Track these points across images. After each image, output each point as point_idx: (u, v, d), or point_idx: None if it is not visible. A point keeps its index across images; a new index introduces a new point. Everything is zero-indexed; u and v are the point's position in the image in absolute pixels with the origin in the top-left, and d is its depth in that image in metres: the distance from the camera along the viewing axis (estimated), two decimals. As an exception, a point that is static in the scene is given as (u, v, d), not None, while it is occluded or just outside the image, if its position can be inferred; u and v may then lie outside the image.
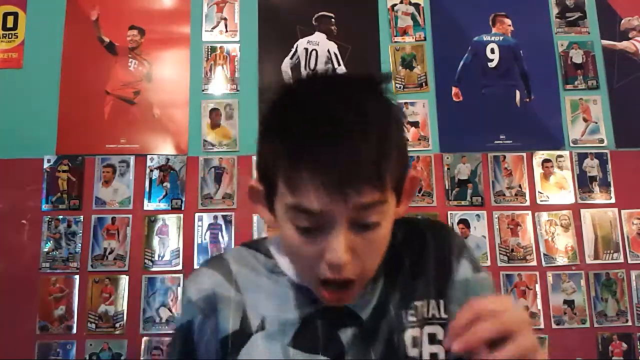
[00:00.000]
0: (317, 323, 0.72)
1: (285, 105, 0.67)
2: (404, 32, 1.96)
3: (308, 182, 0.61)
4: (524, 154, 1.88)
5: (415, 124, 1.88)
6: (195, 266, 1.76)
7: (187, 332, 0.75)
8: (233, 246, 1.76)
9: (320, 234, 0.63)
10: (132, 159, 1.84)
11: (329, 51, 1.93)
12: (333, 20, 1.96)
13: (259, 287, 0.75)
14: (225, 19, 1.96)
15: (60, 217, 1.79)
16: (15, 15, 1.94)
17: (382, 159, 0.61)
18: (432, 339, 0.74)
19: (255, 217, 1.80)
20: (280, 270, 0.75)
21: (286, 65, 1.92)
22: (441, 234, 0.80)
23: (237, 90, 1.91)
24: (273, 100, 0.68)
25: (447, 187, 1.84)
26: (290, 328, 0.72)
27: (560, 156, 1.88)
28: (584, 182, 1.86)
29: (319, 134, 0.61)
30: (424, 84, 1.92)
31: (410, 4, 1.98)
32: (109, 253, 1.77)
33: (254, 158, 1.83)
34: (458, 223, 1.81)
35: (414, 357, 0.72)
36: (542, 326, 1.76)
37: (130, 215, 1.80)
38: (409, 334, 0.73)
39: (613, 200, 1.85)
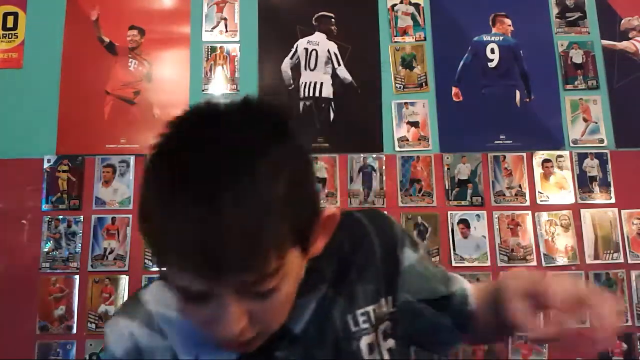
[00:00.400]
0: (254, 352, 0.64)
1: (159, 169, 0.57)
2: (404, 32, 1.96)
3: (175, 264, 0.54)
4: (524, 154, 1.88)
5: (415, 124, 1.89)
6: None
7: None
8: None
9: (206, 302, 0.56)
10: (132, 159, 1.84)
11: (329, 51, 1.93)
12: (333, 20, 1.96)
13: (184, 327, 0.66)
14: (225, 19, 1.96)
15: (60, 217, 1.79)
16: (15, 15, 1.94)
17: (264, 231, 0.52)
18: (384, 335, 0.73)
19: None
20: None
21: (286, 65, 1.92)
22: (383, 226, 0.77)
23: (237, 90, 1.91)
24: (155, 149, 0.58)
25: (447, 187, 1.84)
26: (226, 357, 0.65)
27: (560, 156, 1.88)
28: (584, 182, 1.86)
29: (185, 207, 0.51)
30: (424, 84, 1.92)
31: (410, 4, 1.98)
32: (109, 253, 1.77)
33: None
34: (458, 223, 1.81)
35: None
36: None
37: (130, 215, 1.80)
38: (364, 341, 0.70)
39: (613, 200, 1.85)
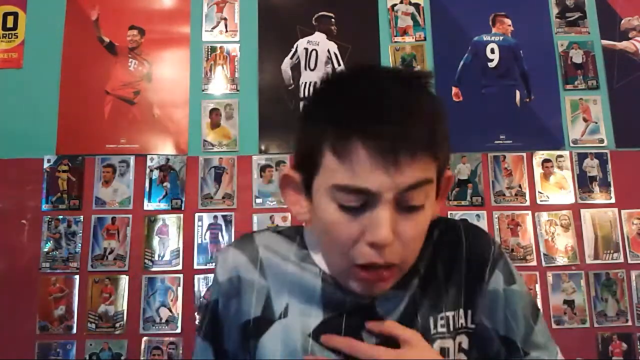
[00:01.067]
0: (342, 321, 0.70)
1: (331, 91, 0.66)
2: (404, 32, 1.96)
3: (359, 149, 0.59)
4: (524, 154, 1.88)
5: (415, 124, 1.88)
6: (196, 266, 1.77)
7: (214, 310, 0.76)
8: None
9: (364, 213, 0.61)
10: (132, 159, 1.84)
11: (329, 51, 1.93)
12: (333, 20, 1.96)
13: (286, 275, 0.73)
14: (225, 19, 1.96)
15: (60, 217, 1.79)
16: (15, 15, 1.94)
17: (435, 133, 0.61)
18: (459, 347, 0.73)
19: (255, 217, 1.80)
20: (312, 261, 0.74)
21: (286, 65, 1.92)
22: (478, 240, 0.76)
23: (237, 90, 1.91)
24: (315, 90, 0.68)
25: (447, 187, 1.84)
26: (313, 320, 0.70)
27: (560, 156, 1.88)
28: (584, 182, 1.86)
29: (372, 104, 0.60)
30: (424, 84, 1.92)
31: (410, 4, 1.98)
32: (109, 253, 1.77)
33: (254, 158, 1.84)
34: (458, 223, 1.81)
35: None
36: None
37: (130, 215, 1.80)
38: (437, 345, 0.71)
39: (613, 200, 1.85)
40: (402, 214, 0.61)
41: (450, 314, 0.72)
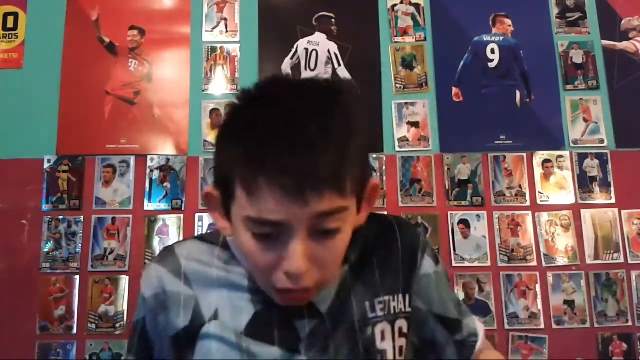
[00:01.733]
0: (272, 313, 0.71)
1: (245, 110, 0.66)
2: (404, 32, 1.96)
3: (265, 187, 0.59)
4: (524, 154, 1.88)
5: (415, 124, 1.89)
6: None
7: (142, 328, 0.77)
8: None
9: (278, 242, 0.62)
10: (132, 159, 1.84)
11: (329, 51, 1.93)
12: (333, 20, 1.96)
13: (211, 280, 0.74)
14: (225, 19, 1.96)
15: (60, 217, 1.79)
16: (15, 15, 1.94)
17: (342, 165, 0.60)
18: (400, 332, 0.76)
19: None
20: (236, 262, 0.75)
21: (286, 65, 1.92)
22: (409, 230, 0.81)
23: (237, 91, 1.90)
24: (232, 104, 0.67)
25: (447, 187, 1.84)
26: (244, 317, 0.71)
27: (560, 156, 1.88)
28: (584, 182, 1.86)
29: (278, 140, 0.59)
30: (424, 84, 1.92)
31: (410, 4, 1.98)
32: (109, 253, 1.77)
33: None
34: (458, 223, 1.81)
35: (383, 349, 0.73)
36: (542, 326, 1.76)
37: (130, 215, 1.80)
38: (378, 328, 0.73)
39: (613, 200, 1.85)
40: (317, 239, 0.62)
41: (387, 297, 0.75)
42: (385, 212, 1.80)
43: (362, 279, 0.75)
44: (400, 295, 0.76)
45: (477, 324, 0.85)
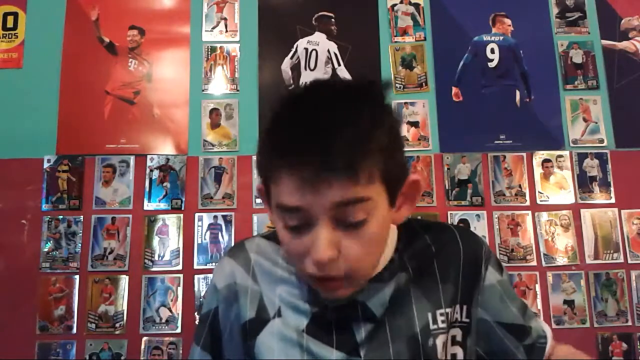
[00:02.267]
0: (331, 315, 0.73)
1: (278, 107, 0.68)
2: (404, 32, 1.96)
3: (285, 175, 0.63)
4: (524, 154, 1.88)
5: (415, 124, 1.89)
6: (196, 266, 1.77)
7: (214, 317, 0.80)
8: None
9: (306, 231, 0.65)
10: (132, 159, 1.84)
11: (329, 51, 1.93)
12: (333, 20, 1.96)
13: (276, 277, 0.78)
14: (225, 19, 1.96)
15: (60, 217, 1.79)
16: (15, 15, 1.94)
17: (359, 154, 0.62)
18: (453, 340, 0.76)
19: (255, 217, 1.80)
20: None
21: (286, 65, 1.92)
22: (472, 241, 0.81)
23: (237, 90, 1.91)
24: (274, 109, 0.69)
25: (447, 187, 1.84)
26: (305, 317, 0.74)
27: (560, 156, 1.88)
28: (584, 182, 1.86)
29: (298, 128, 0.63)
30: (424, 84, 1.92)
31: (410, 4, 1.98)
32: (109, 253, 1.77)
33: (254, 158, 1.83)
34: (458, 223, 1.81)
35: None
36: None
37: (130, 215, 1.80)
38: (440, 340, 0.74)
39: (613, 200, 1.85)
40: (345, 231, 0.64)
41: (449, 310, 0.75)
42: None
43: (424, 288, 0.76)
44: (458, 306, 0.77)
45: (544, 326, 0.85)
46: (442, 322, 0.74)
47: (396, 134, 0.69)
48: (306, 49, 1.93)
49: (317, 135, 0.61)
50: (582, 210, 1.84)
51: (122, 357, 1.71)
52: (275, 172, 0.64)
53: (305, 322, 0.74)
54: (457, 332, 0.77)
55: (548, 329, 0.85)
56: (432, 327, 0.74)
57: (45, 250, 1.77)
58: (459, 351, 0.76)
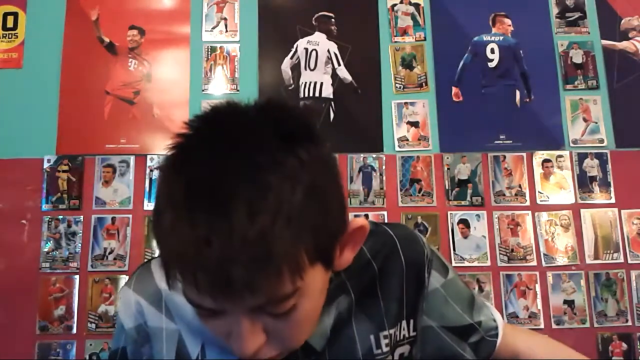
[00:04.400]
0: None
1: (168, 161, 0.53)
2: (404, 32, 1.96)
3: (183, 279, 0.49)
4: (524, 154, 1.88)
5: (415, 124, 1.89)
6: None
7: (123, 357, 0.70)
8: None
9: (222, 317, 0.53)
10: (132, 159, 1.84)
11: (329, 51, 1.93)
12: (333, 20, 1.96)
13: (194, 312, 0.61)
14: (225, 19, 1.96)
15: (60, 217, 1.79)
16: (15, 15, 1.94)
17: (276, 247, 0.47)
18: (400, 358, 0.72)
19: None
20: None
21: (286, 65, 1.92)
22: (412, 247, 0.73)
23: (237, 90, 1.91)
24: (174, 145, 0.53)
25: (447, 187, 1.84)
26: (234, 356, 0.59)
27: (560, 156, 1.88)
28: (584, 182, 1.86)
29: (186, 211, 0.47)
30: (424, 84, 1.92)
31: (410, 4, 1.98)
32: (109, 253, 1.77)
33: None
34: (458, 223, 1.81)
35: None
36: (542, 326, 1.76)
37: (130, 215, 1.80)
38: None
39: (613, 200, 1.85)
40: (269, 317, 0.52)
41: (392, 330, 0.70)
42: (385, 214, 1.80)
43: (366, 310, 0.69)
44: (404, 322, 0.71)
45: (496, 315, 0.81)
46: (386, 345, 0.69)
47: (323, 183, 0.53)
48: (306, 49, 1.93)
49: (216, 222, 0.46)
50: (582, 210, 1.84)
51: None
52: (165, 264, 0.51)
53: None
54: (405, 349, 0.72)
55: (499, 317, 0.82)
56: (375, 351, 0.68)
57: (45, 250, 1.77)
58: None
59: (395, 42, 1.95)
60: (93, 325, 1.73)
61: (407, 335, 0.72)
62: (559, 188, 1.86)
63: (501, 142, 1.89)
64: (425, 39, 1.96)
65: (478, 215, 1.82)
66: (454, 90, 1.92)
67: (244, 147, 0.50)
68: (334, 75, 1.91)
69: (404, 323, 0.72)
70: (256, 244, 0.46)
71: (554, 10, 2.00)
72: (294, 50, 1.93)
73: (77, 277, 1.76)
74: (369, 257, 0.70)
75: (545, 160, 1.87)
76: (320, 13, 1.96)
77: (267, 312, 0.52)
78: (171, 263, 0.50)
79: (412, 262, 0.72)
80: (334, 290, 0.66)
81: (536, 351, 0.81)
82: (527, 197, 1.84)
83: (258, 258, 0.46)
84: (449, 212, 1.82)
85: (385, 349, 0.69)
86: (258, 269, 0.47)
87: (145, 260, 1.76)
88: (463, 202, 1.84)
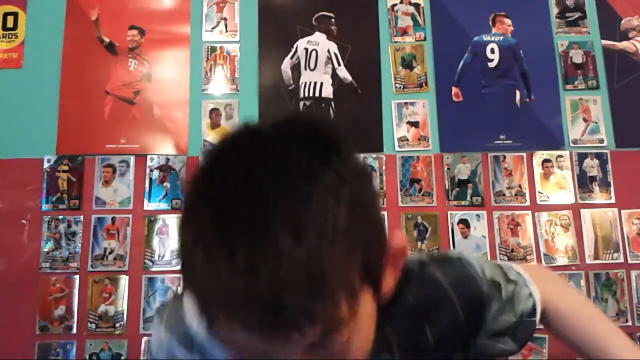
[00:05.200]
0: None
1: (190, 192, 0.50)
2: (404, 32, 1.96)
3: (227, 323, 0.44)
4: (524, 154, 1.88)
5: (415, 124, 1.89)
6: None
7: None
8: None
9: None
10: (132, 159, 1.84)
11: (329, 51, 1.93)
12: (333, 20, 1.96)
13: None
14: (225, 19, 1.96)
15: (60, 217, 1.79)
16: (15, 15, 1.94)
17: (330, 271, 0.42)
18: None
19: (255, 217, 1.80)
20: None
21: (286, 65, 1.92)
22: (466, 288, 0.65)
23: (237, 90, 1.91)
24: (194, 178, 0.50)
25: (447, 187, 1.84)
26: None
27: (560, 156, 1.88)
28: (584, 182, 1.86)
29: (230, 255, 0.42)
30: (424, 84, 1.92)
31: (410, 4, 1.98)
32: (109, 253, 1.77)
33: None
34: (458, 223, 1.81)
35: None
36: (542, 326, 1.75)
37: (130, 215, 1.80)
38: None
39: (613, 200, 1.85)
40: (322, 348, 0.47)
41: None
42: (385, 214, 1.79)
43: (415, 350, 0.63)
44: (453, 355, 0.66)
45: (531, 288, 0.74)
46: None
47: (363, 196, 0.49)
48: (306, 49, 1.93)
49: (257, 246, 0.42)
50: (582, 210, 1.84)
51: (122, 357, 1.71)
52: (201, 309, 0.46)
53: None
54: None
55: (535, 289, 0.75)
56: None
57: (45, 250, 1.77)
58: None
59: (395, 42, 1.95)
60: (93, 325, 1.73)
61: None
62: (559, 188, 1.86)
63: (501, 142, 1.89)
64: (425, 39, 1.96)
65: (478, 215, 1.82)
66: (454, 90, 1.92)
67: (273, 169, 0.45)
68: (334, 75, 1.91)
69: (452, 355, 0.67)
70: (307, 270, 0.41)
71: (554, 10, 2.00)
72: (294, 50, 1.93)
73: (77, 277, 1.76)
74: (411, 303, 0.62)
75: (545, 160, 1.87)
76: (320, 13, 1.96)
77: (321, 351, 0.46)
78: (213, 311, 0.45)
79: (468, 302, 0.64)
80: (375, 348, 0.56)
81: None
82: (527, 197, 1.84)
83: (311, 287, 0.42)
84: (449, 212, 1.82)
85: None
86: (312, 292, 0.42)
87: (145, 261, 1.76)
88: (463, 202, 1.84)
